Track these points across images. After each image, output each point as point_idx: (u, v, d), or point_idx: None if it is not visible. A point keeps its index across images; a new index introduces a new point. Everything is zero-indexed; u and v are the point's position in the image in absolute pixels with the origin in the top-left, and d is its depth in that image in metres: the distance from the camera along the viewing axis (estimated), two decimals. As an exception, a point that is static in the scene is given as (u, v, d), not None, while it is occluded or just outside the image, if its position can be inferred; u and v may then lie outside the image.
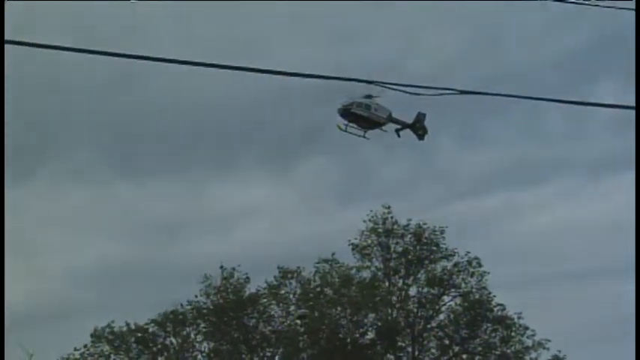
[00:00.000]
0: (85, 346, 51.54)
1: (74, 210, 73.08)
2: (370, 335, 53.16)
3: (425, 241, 53.62)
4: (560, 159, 79.11)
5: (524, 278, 66.10)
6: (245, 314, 52.56)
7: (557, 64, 72.31)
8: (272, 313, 53.01)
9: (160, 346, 52.20)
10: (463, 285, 53.43)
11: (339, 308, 52.39)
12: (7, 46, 11.75)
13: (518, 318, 52.61)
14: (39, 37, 11.66)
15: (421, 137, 30.53)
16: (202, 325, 52.77)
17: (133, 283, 66.17)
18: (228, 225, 76.09)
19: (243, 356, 52.82)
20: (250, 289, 53.06)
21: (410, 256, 53.58)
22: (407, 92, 20.94)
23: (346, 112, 31.34)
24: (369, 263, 53.81)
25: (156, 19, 65.79)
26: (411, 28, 68.36)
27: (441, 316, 53.71)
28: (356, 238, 53.61)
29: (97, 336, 51.81)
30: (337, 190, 75.69)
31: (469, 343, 53.42)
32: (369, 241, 53.84)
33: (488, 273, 53.12)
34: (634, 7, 14.12)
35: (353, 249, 53.56)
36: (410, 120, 33.35)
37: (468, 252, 53.20)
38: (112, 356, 52.08)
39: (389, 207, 53.93)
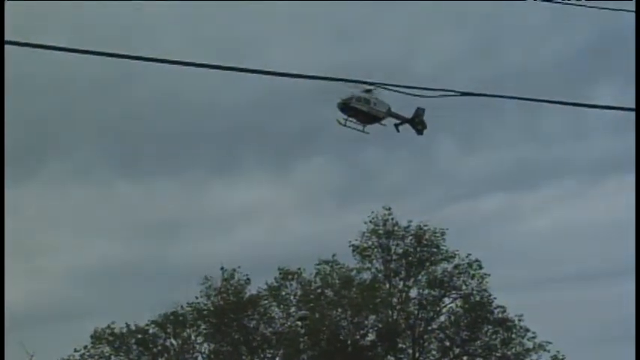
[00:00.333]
0: (86, 347, 51.52)
1: (75, 210, 73.20)
2: (371, 337, 53.17)
3: (425, 242, 53.60)
4: (560, 160, 79.22)
5: (525, 280, 66.18)
6: (245, 315, 52.52)
7: (558, 65, 72.29)
8: (272, 314, 53.02)
9: (160, 348, 52.15)
10: (464, 287, 53.41)
11: (339, 310, 52.37)
12: (7, 47, 11.74)
13: (519, 320, 52.62)
14: (39, 37, 11.67)
15: (420, 132, 30.48)
16: (203, 326, 52.73)
17: (133, 284, 66.30)
18: (229, 226, 76.24)
19: (244, 358, 52.78)
20: (251, 290, 53.12)
21: (410, 258, 53.56)
22: (407, 94, 20.92)
23: (346, 107, 31.31)
24: (369, 265, 53.83)
25: (156, 20, 65.84)
26: (412, 29, 68.37)
27: (442, 318, 53.74)
28: (356, 240, 53.68)
29: (97, 337, 51.76)
30: (338, 192, 75.76)
31: (470, 345, 53.37)
32: (370, 243, 53.85)
33: (489, 275, 53.17)
34: (634, 7, 14.12)
35: (353, 250, 53.57)
36: (409, 115, 33.35)
37: (469, 254, 53.25)
38: (113, 357, 52.03)
39: (389, 208, 54.00)
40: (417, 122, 31.70)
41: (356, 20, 56.11)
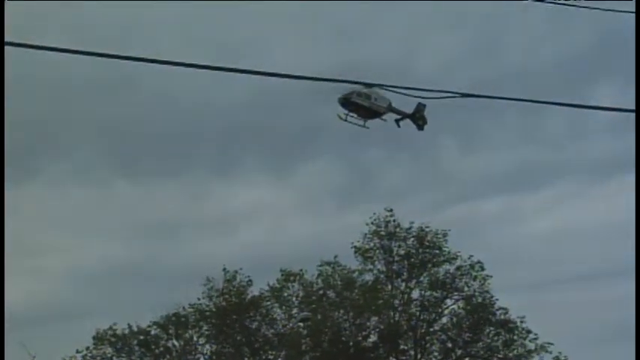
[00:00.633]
0: (87, 348, 51.50)
1: (75, 211, 73.21)
2: (373, 338, 53.13)
3: (427, 244, 53.58)
4: (561, 161, 79.19)
5: (527, 281, 66.14)
6: (247, 317, 52.52)
7: (558, 66, 72.25)
8: (274, 315, 53.00)
9: (162, 349, 52.15)
10: (466, 288, 53.38)
11: (341, 311, 52.36)
12: (7, 48, 11.75)
13: (521, 322, 52.60)
14: (38, 38, 11.68)
15: (421, 127, 30.41)
16: (205, 327, 52.73)
17: (134, 285, 66.33)
18: (230, 227, 76.19)
19: (246, 359, 52.79)
20: (253, 291, 53.10)
21: (412, 259, 53.55)
22: (408, 95, 20.93)
23: (346, 102, 31.23)
24: (371, 266, 53.81)
25: (156, 21, 65.86)
26: (412, 30, 68.36)
27: (444, 320, 53.72)
28: (358, 241, 53.65)
29: (99, 338, 51.77)
30: (339, 193, 75.78)
31: (472, 346, 53.35)
32: (372, 244, 53.85)
33: (491, 276, 53.13)
34: (634, 7, 14.10)
35: (355, 252, 53.56)
36: (410, 111, 33.32)
37: (471, 255, 53.24)
38: (114, 358, 52.03)
39: (391, 210, 54.00)
40: (418, 117, 31.59)
41: (356, 20, 56.08)
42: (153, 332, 52.23)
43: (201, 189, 77.11)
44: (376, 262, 53.86)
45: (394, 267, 53.79)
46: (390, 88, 23.60)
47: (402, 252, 53.70)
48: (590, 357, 58.24)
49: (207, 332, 52.79)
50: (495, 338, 53.00)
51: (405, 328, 52.83)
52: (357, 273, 53.60)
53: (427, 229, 53.55)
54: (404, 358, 52.99)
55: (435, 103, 16.21)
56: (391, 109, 31.55)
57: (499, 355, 52.88)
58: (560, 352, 52.10)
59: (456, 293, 53.42)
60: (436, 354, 53.63)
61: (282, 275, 53.20)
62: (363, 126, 31.24)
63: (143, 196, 76.27)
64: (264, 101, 61.48)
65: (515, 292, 65.75)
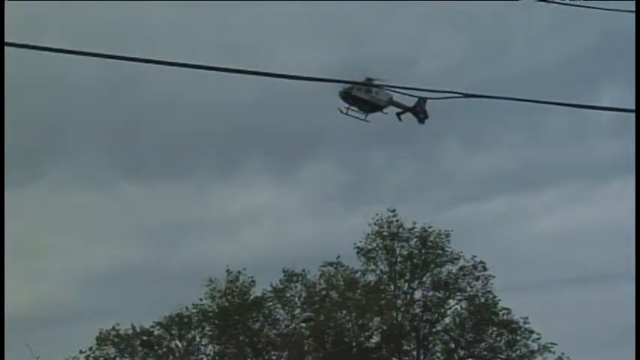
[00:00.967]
0: (91, 348, 51.59)
1: (80, 213, 73.22)
2: (375, 339, 53.13)
3: (430, 244, 53.59)
4: (564, 162, 79.14)
5: (530, 282, 66.12)
6: (250, 317, 52.54)
7: (561, 66, 72.27)
8: (277, 316, 53.02)
9: (165, 349, 52.21)
10: (468, 289, 53.40)
11: (344, 311, 52.37)
12: (9, 48, 11.76)
13: (524, 322, 52.59)
14: (42, 39, 11.69)
15: (422, 121, 30.38)
16: (207, 328, 52.76)
17: (138, 286, 66.37)
18: (233, 228, 76.20)
19: (249, 359, 52.82)
20: (255, 292, 53.12)
21: (415, 260, 53.55)
22: (411, 95, 20.96)
23: (347, 95, 31.23)
24: (374, 267, 53.82)
25: (160, 21, 65.92)
26: (415, 30, 68.38)
27: (447, 320, 53.71)
28: (361, 242, 53.68)
29: (102, 339, 51.84)
30: (342, 193, 75.81)
31: (474, 346, 53.35)
32: (374, 245, 53.85)
33: (494, 277, 53.14)
34: (634, 7, 14.11)
35: (358, 252, 53.61)
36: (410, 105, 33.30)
37: (474, 256, 53.22)
38: (118, 359, 52.12)
39: (394, 210, 54.00)
40: (419, 111, 31.58)
41: (359, 21, 56.07)
42: (156, 333, 52.29)
43: (205, 190, 77.21)
44: (379, 263, 53.90)
45: (397, 267, 53.80)
46: (394, 89, 23.63)
47: (404, 252, 53.71)
48: (593, 358, 58.27)
49: (209, 333, 52.82)
50: (498, 339, 53.00)
51: (407, 329, 52.82)
52: (359, 273, 53.68)
53: (430, 230, 53.60)
54: (406, 358, 52.99)
55: (438, 103, 16.20)
56: (392, 102, 31.50)
57: (502, 356, 52.88)
58: (563, 353, 52.16)
59: (458, 294, 53.44)
60: (439, 354, 53.63)
61: (284, 276, 53.24)
62: (364, 119, 31.24)
63: (147, 197, 76.35)
64: (268, 103, 61.61)
65: (518, 293, 65.81)
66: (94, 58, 11.83)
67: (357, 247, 53.43)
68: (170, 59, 12.18)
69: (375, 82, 28.44)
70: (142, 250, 71.61)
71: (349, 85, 30.17)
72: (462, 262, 53.27)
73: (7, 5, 12.61)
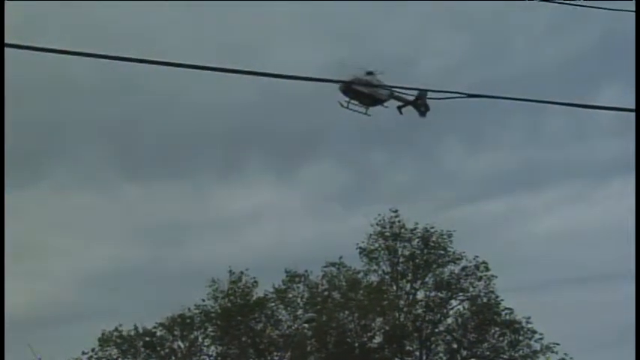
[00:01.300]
0: (93, 349, 51.60)
1: (81, 214, 73.25)
2: (378, 339, 53.12)
3: (432, 244, 53.58)
4: (565, 162, 79.13)
5: (532, 282, 66.10)
6: (252, 318, 52.54)
7: (562, 66, 72.23)
8: (279, 316, 53.00)
9: (167, 350, 52.21)
10: (471, 289, 53.38)
11: (346, 312, 52.36)
12: (11, 50, 11.76)
13: (527, 322, 52.56)
14: (41, 39, 11.69)
15: (423, 114, 30.23)
16: (210, 328, 52.76)
17: (140, 287, 66.33)
18: (234, 228, 76.17)
19: (251, 360, 52.86)
20: (258, 292, 53.10)
21: (417, 260, 53.53)
22: (414, 95, 20.86)
23: (348, 89, 31.13)
24: (376, 267, 53.82)
25: (161, 22, 65.95)
26: (417, 30, 68.38)
27: (449, 320, 53.68)
28: (363, 242, 53.67)
29: (104, 340, 51.85)
30: (344, 194, 75.77)
31: (477, 347, 53.32)
32: (377, 245, 53.84)
33: (496, 277, 53.12)
34: (634, 7, 14.11)
35: (360, 253, 53.59)
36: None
37: (476, 256, 53.22)
38: (120, 360, 52.17)
39: (396, 211, 53.98)
40: (420, 104, 31.48)
41: (360, 21, 56.10)
42: (158, 333, 52.29)
43: (206, 190, 77.19)
44: (381, 263, 53.90)
45: (399, 268, 53.78)
46: (396, 89, 23.60)
47: (407, 253, 53.70)
48: (594, 358, 58.20)
49: (212, 333, 52.82)
50: (501, 339, 52.97)
51: (410, 329, 52.79)
52: (362, 274, 53.66)
53: (432, 230, 53.58)
54: (409, 359, 52.97)
55: (440, 103, 16.21)
56: (393, 95, 31.37)
57: (504, 356, 52.84)
58: (566, 354, 52.08)
59: (461, 294, 53.42)
60: (441, 355, 53.60)
61: (287, 276, 53.25)
62: (365, 113, 31.09)
63: (147, 197, 76.35)
64: (268, 103, 61.61)
65: (521, 293, 65.78)
66: (94, 58, 11.82)
67: (360, 248, 53.49)
68: (169, 59, 12.19)
69: (376, 77, 28.39)
70: (142, 250, 71.69)
71: (349, 79, 30.03)
72: (464, 263, 53.33)
73: (7, 5, 12.62)
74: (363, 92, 30.70)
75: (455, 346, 53.38)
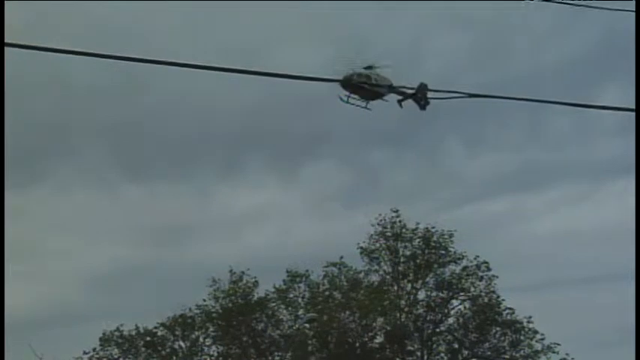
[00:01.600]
0: (94, 349, 51.66)
1: (83, 214, 73.28)
2: (379, 339, 53.10)
3: (433, 244, 53.55)
4: (567, 162, 79.15)
5: (534, 282, 66.10)
6: (254, 318, 52.56)
7: (564, 66, 72.19)
8: (280, 316, 53.01)
9: (168, 350, 52.25)
10: (472, 289, 53.31)
11: (347, 312, 52.34)
12: (13, 49, 11.76)
13: (528, 322, 52.55)
14: (43, 39, 11.69)
15: (423, 107, 30.15)
16: (211, 328, 52.78)
17: (141, 287, 66.45)
18: (237, 228, 76.24)
19: (252, 360, 52.87)
20: (259, 292, 53.13)
21: (418, 260, 53.51)
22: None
23: (348, 84, 31.15)
24: (377, 267, 53.81)
25: (163, 22, 65.93)
26: (418, 31, 68.36)
27: (450, 320, 53.67)
28: (364, 242, 53.66)
29: (106, 339, 51.90)
30: (345, 194, 75.79)
31: (478, 347, 53.29)
32: (378, 245, 53.83)
33: (497, 277, 53.09)
34: (634, 7, 14.12)
35: (361, 253, 53.55)
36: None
37: (477, 256, 53.18)
38: (121, 360, 52.21)
39: (397, 211, 53.97)
40: (420, 97, 31.41)
41: (361, 21, 56.08)
42: (159, 333, 52.32)
43: (208, 191, 77.27)
44: (382, 263, 53.88)
45: (400, 268, 53.76)
46: (398, 89, 23.55)
47: (408, 253, 53.68)
48: (597, 358, 58.17)
49: (213, 333, 52.83)
50: (502, 339, 52.94)
51: (411, 329, 52.78)
52: (363, 274, 53.65)
53: (433, 230, 53.55)
54: (410, 358, 52.95)
55: (441, 103, 16.22)
56: (392, 89, 31.33)
57: (506, 356, 52.82)
58: (567, 354, 52.06)
59: (462, 294, 53.39)
60: (443, 355, 53.60)
61: (288, 276, 53.25)
62: (365, 107, 31.11)
63: (149, 198, 76.36)
64: (270, 103, 61.63)
65: (522, 293, 65.80)
66: (96, 58, 11.83)
67: (361, 248, 53.48)
68: (172, 59, 12.19)
69: (377, 70, 28.32)
70: (144, 250, 71.74)
71: (349, 73, 30.10)
72: (465, 262, 53.27)
73: (7, 5, 12.63)
74: (362, 86, 30.64)
75: (456, 346, 53.37)
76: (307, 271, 53.29)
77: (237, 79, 13.05)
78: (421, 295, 53.60)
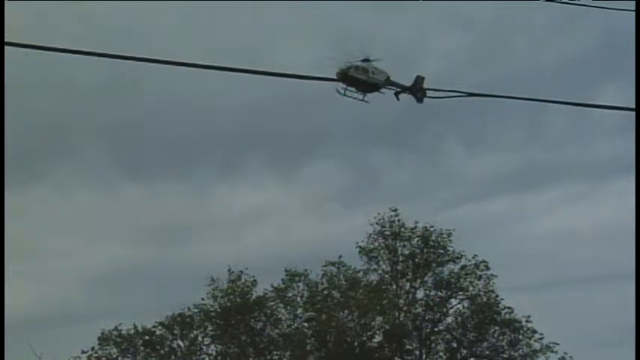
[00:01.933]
0: (93, 348, 51.66)
1: (83, 214, 73.28)
2: (378, 338, 53.10)
3: (432, 244, 53.55)
4: (567, 162, 79.14)
5: (532, 281, 66.14)
6: (252, 317, 52.55)
7: (564, 66, 72.23)
8: (279, 316, 53.00)
9: (167, 349, 52.25)
10: (471, 288, 53.32)
11: (346, 311, 52.32)
12: (14, 49, 11.75)
13: (526, 321, 52.56)
14: (44, 38, 11.68)
15: (420, 100, 30.16)
16: (209, 327, 52.77)
17: (141, 287, 66.44)
18: (236, 228, 76.27)
19: (251, 359, 52.81)
20: (257, 291, 53.13)
21: (417, 259, 53.51)
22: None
23: (344, 77, 31.22)
24: (376, 266, 53.80)
25: (163, 22, 65.89)
26: (418, 30, 68.33)
27: (449, 319, 53.66)
28: (363, 241, 53.65)
29: (104, 338, 51.90)
30: (344, 193, 75.82)
31: (477, 346, 53.30)
32: (376, 244, 53.83)
33: (496, 276, 53.09)
34: (634, 7, 14.12)
35: (360, 252, 53.56)
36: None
37: (476, 255, 53.18)
38: (120, 359, 52.15)
39: (396, 210, 53.96)
40: (417, 90, 31.41)
41: (362, 21, 56.01)
42: (158, 332, 52.32)
43: (207, 190, 77.27)
44: (381, 262, 53.88)
45: (399, 267, 53.76)
46: (398, 89, 23.53)
47: (406, 252, 53.68)
48: (596, 358, 58.18)
49: (212, 332, 52.83)
50: (500, 338, 52.95)
51: (409, 328, 52.78)
52: (361, 273, 53.64)
53: (432, 229, 53.55)
54: (409, 358, 52.96)
55: (441, 102, 16.22)
56: (389, 82, 31.36)
57: (504, 355, 52.84)
58: (565, 353, 52.11)
59: (460, 293, 53.39)
60: (441, 354, 53.59)
61: (286, 275, 53.24)
62: (363, 100, 31.15)
63: (149, 197, 76.41)
64: (270, 103, 61.62)
65: (521, 292, 65.81)
66: (96, 58, 11.83)
67: (359, 247, 53.47)
68: (172, 59, 12.19)
69: (373, 64, 28.32)
70: (143, 250, 71.74)
71: (346, 66, 30.16)
72: (463, 262, 53.26)
73: (7, 5, 12.62)
74: (359, 79, 30.68)
75: (455, 345, 53.38)
76: (306, 270, 53.35)
77: (237, 78, 13.08)
78: (420, 294, 53.68)
